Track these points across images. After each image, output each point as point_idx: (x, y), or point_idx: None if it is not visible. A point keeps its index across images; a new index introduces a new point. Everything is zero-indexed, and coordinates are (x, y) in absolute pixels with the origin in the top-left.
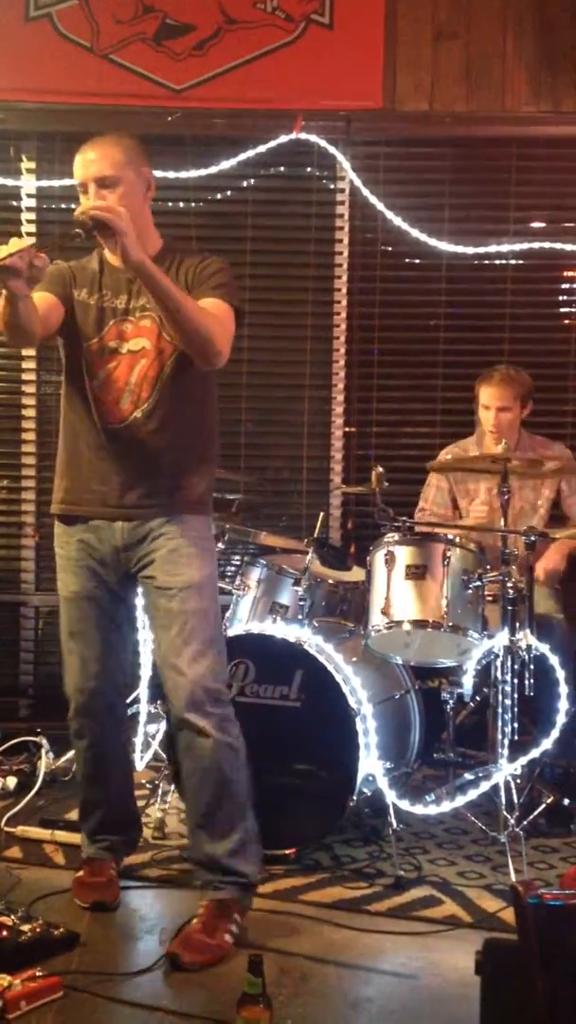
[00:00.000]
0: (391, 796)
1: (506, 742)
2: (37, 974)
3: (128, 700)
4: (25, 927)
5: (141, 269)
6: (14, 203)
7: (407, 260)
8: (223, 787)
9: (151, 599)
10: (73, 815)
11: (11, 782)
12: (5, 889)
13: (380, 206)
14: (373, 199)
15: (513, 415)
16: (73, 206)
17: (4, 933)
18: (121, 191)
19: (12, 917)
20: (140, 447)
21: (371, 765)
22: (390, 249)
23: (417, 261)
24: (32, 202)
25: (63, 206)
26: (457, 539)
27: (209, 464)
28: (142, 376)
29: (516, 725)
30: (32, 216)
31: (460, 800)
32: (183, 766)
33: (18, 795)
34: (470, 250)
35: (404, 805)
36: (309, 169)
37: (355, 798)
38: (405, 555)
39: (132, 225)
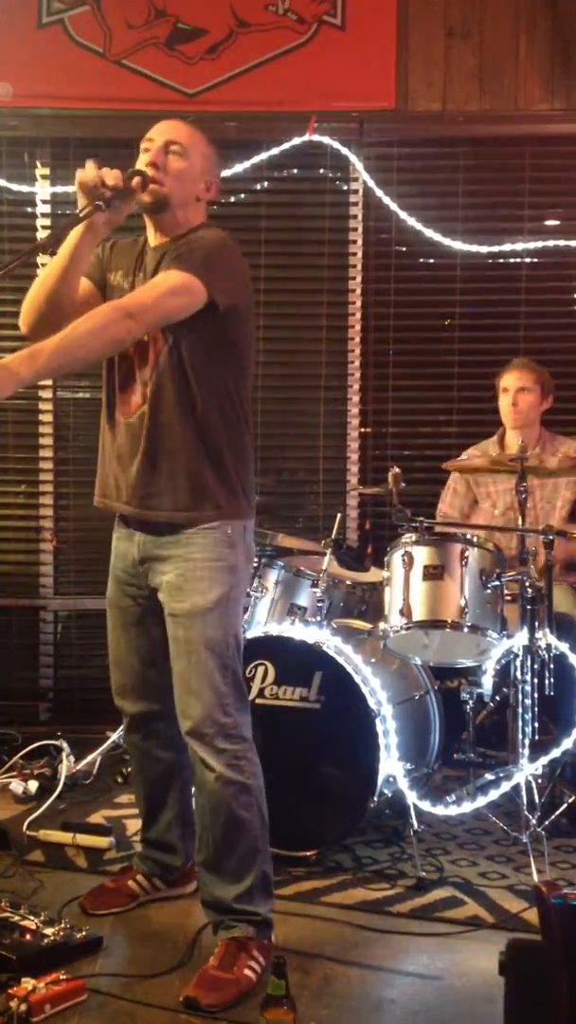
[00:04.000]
0: (412, 797)
1: (526, 742)
2: (61, 977)
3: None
4: (48, 931)
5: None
6: (28, 209)
7: (421, 260)
8: (233, 829)
9: (168, 624)
10: (94, 818)
11: (32, 786)
12: (28, 893)
13: (394, 206)
14: (387, 199)
15: (533, 398)
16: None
17: (28, 937)
18: (185, 166)
19: (35, 920)
20: (150, 443)
21: (391, 766)
22: (404, 249)
23: (431, 261)
24: (47, 208)
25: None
26: (475, 539)
27: (230, 464)
28: (153, 365)
29: (536, 725)
30: (47, 222)
31: (481, 801)
32: (197, 801)
33: (40, 799)
34: (484, 249)
35: (425, 806)
36: (322, 171)
37: (376, 799)
38: (423, 555)
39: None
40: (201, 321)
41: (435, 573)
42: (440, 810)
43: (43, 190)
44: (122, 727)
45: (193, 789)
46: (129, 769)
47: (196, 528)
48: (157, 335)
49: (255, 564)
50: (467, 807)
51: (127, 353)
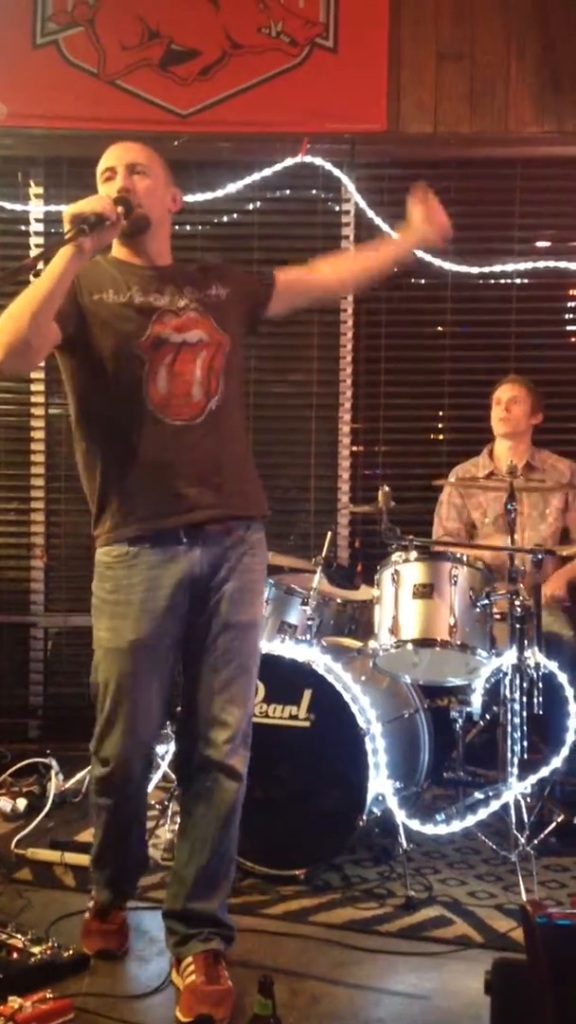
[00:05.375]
0: (401, 816)
1: (516, 761)
2: (48, 996)
3: None
4: (35, 949)
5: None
6: (23, 228)
7: (412, 280)
8: (230, 836)
9: (211, 632)
10: (83, 837)
11: (21, 804)
12: (15, 911)
13: (385, 227)
14: (378, 220)
15: (524, 409)
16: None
17: (15, 955)
18: (150, 183)
19: (23, 939)
20: (217, 442)
21: (380, 785)
22: (396, 270)
23: (423, 281)
24: (40, 227)
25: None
26: (464, 557)
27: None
28: (207, 367)
29: (526, 744)
30: (40, 240)
31: (470, 819)
32: (196, 811)
33: (28, 817)
34: (475, 270)
35: (414, 825)
36: (314, 192)
37: (365, 818)
38: (412, 574)
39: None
40: (247, 325)
41: (425, 591)
42: (429, 829)
43: (37, 209)
44: (108, 790)
45: (192, 804)
46: None
47: (254, 530)
48: (213, 337)
49: None
50: (456, 826)
51: (163, 355)
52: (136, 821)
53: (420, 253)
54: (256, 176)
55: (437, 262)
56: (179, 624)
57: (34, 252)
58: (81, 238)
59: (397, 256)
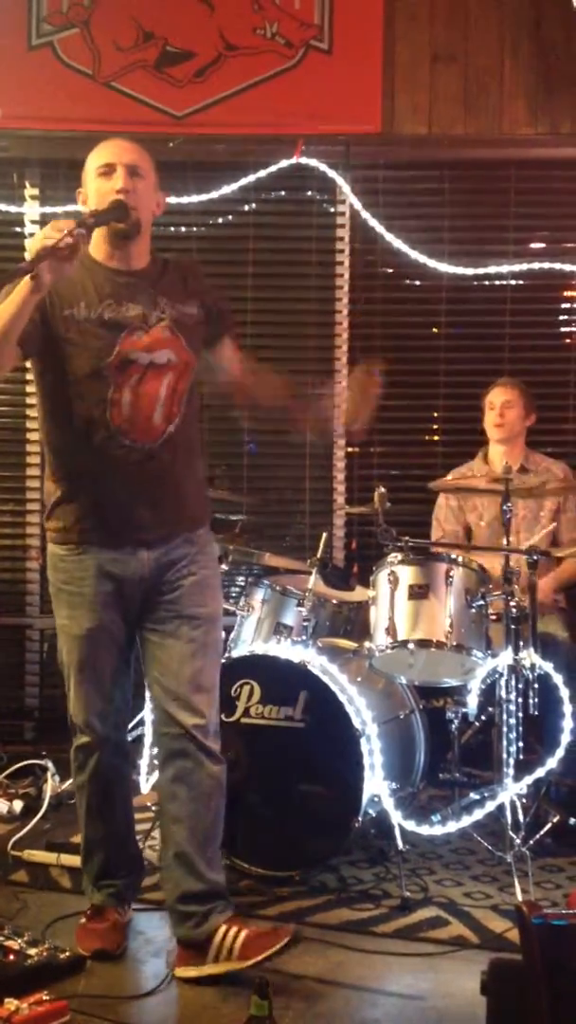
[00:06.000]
0: (397, 817)
1: (511, 761)
2: (44, 998)
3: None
4: (32, 951)
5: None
6: (18, 229)
7: (407, 281)
8: (218, 817)
9: (172, 628)
10: (79, 839)
11: (17, 806)
12: (12, 913)
13: (380, 228)
14: (373, 222)
15: (518, 413)
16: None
17: (11, 957)
18: (147, 187)
19: (19, 941)
20: (173, 466)
21: (376, 786)
22: (390, 271)
23: (418, 283)
24: (36, 228)
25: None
26: (460, 558)
27: (204, 479)
28: (171, 389)
29: (521, 744)
30: None
31: (466, 820)
32: (178, 795)
33: (24, 818)
34: (470, 271)
35: (410, 826)
36: (309, 193)
37: (360, 819)
38: (408, 575)
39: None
40: (204, 346)
41: (420, 592)
42: (425, 830)
43: (32, 210)
44: (85, 758)
45: (172, 787)
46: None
47: (206, 536)
48: (181, 358)
49: (241, 583)
50: (452, 827)
51: (128, 375)
52: (117, 805)
53: (415, 254)
54: (251, 178)
55: (432, 263)
56: (133, 612)
57: (28, 254)
58: (40, 273)
59: (305, 417)
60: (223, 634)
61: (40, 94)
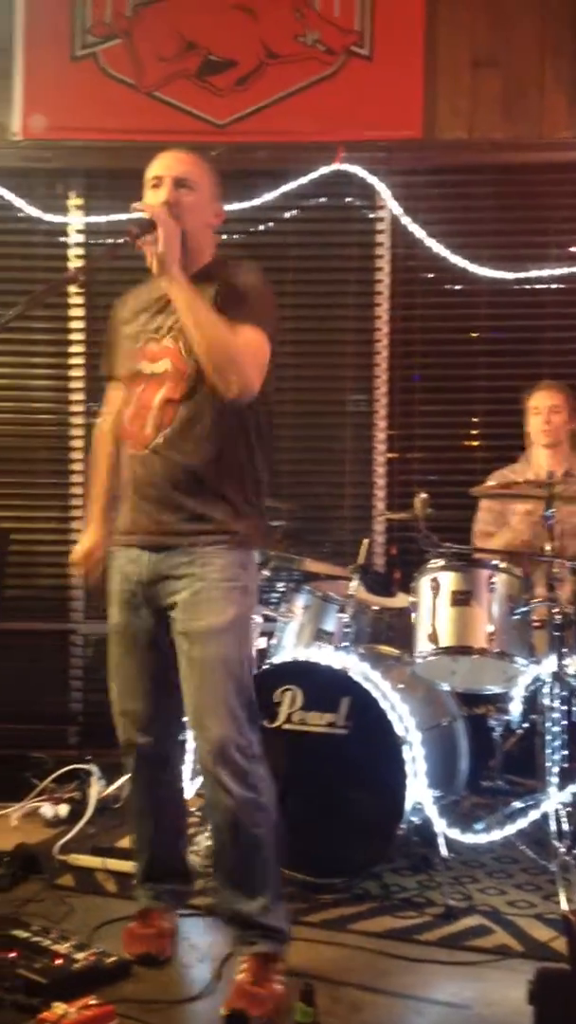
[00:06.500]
0: (440, 824)
1: (555, 769)
2: (91, 1002)
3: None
4: (79, 955)
5: (172, 277)
6: (62, 239)
7: (447, 286)
8: (250, 847)
9: (177, 644)
10: (124, 843)
11: (63, 810)
12: (59, 917)
13: (420, 233)
14: (413, 227)
15: (563, 418)
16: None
17: (59, 961)
18: (196, 199)
19: (66, 945)
20: (163, 474)
21: (419, 793)
22: (431, 276)
23: (458, 287)
24: (80, 238)
25: (110, 241)
26: (502, 565)
27: (247, 496)
28: (165, 399)
29: (565, 752)
30: (80, 252)
31: (509, 829)
32: (211, 821)
33: (70, 823)
34: (511, 275)
35: (453, 834)
36: (350, 199)
37: (404, 826)
38: (450, 581)
39: (177, 234)
40: None
41: (462, 599)
42: (468, 838)
43: (76, 220)
44: (124, 759)
45: (205, 809)
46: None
47: (207, 543)
48: (177, 367)
49: (282, 589)
50: (496, 835)
51: (136, 385)
52: (158, 809)
53: (455, 258)
54: (292, 184)
55: (472, 268)
56: (150, 619)
57: (73, 263)
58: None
59: None
60: (237, 647)
61: (84, 104)
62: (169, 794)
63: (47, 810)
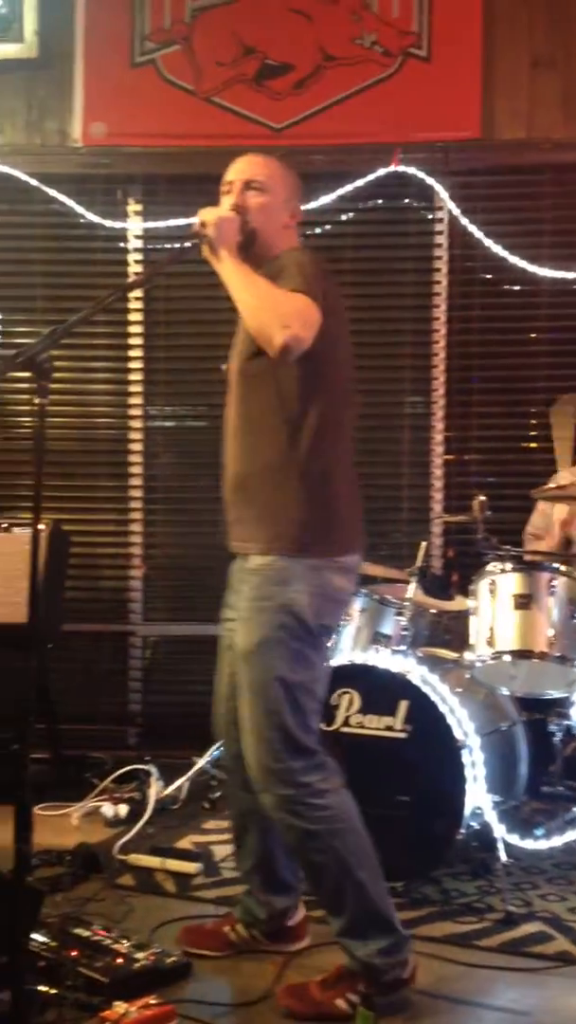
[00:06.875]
0: (500, 830)
1: None
2: (151, 1002)
3: None
4: (139, 955)
5: (220, 258)
6: (121, 245)
7: (506, 287)
8: (311, 871)
9: None
10: (183, 844)
11: (122, 810)
12: (119, 916)
13: (479, 234)
14: (472, 228)
15: None
16: (178, 245)
17: (119, 960)
18: (266, 200)
19: (126, 944)
20: (230, 472)
21: (479, 798)
22: (489, 277)
23: (516, 288)
24: (139, 243)
25: (168, 246)
26: (563, 568)
27: (295, 499)
28: (235, 393)
29: None
30: (139, 257)
31: (570, 835)
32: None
33: (129, 823)
34: (570, 275)
35: (513, 839)
36: (407, 200)
37: (463, 831)
38: (510, 584)
39: (232, 223)
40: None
41: (523, 602)
42: (528, 843)
43: (135, 226)
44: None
45: None
46: (217, 795)
47: (256, 558)
48: (242, 354)
49: None
50: (556, 841)
51: (226, 383)
52: (243, 835)
53: (514, 259)
54: (349, 187)
55: (531, 268)
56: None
57: (132, 268)
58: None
59: None
60: (268, 669)
61: (143, 111)
62: (242, 808)
63: (107, 810)
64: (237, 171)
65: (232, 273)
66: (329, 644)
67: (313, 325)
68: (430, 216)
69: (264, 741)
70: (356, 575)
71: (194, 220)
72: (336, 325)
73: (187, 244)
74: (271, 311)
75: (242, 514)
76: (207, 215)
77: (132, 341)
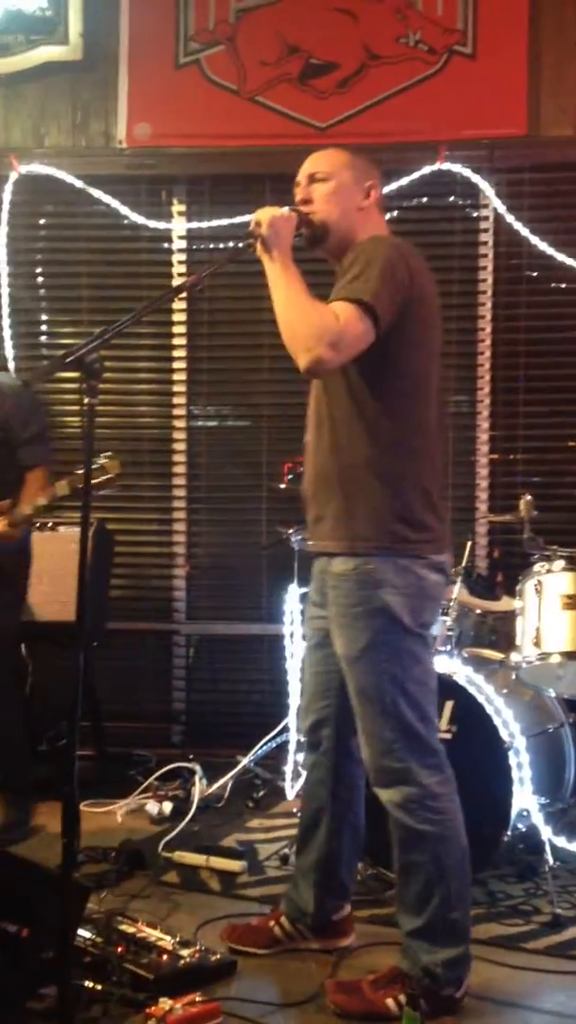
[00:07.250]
0: (546, 832)
1: None
2: (197, 999)
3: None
4: (184, 952)
5: (271, 258)
6: (166, 245)
7: (553, 284)
8: (406, 868)
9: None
10: (227, 842)
11: (167, 808)
12: (164, 913)
13: (525, 231)
14: (518, 225)
15: None
16: (222, 246)
17: (165, 957)
18: (331, 187)
19: (172, 941)
20: (311, 468)
21: (525, 800)
22: (535, 274)
23: (563, 286)
24: (183, 244)
25: (211, 246)
26: None
27: (385, 492)
28: (317, 388)
29: None
30: (183, 257)
31: None
32: None
33: (173, 820)
34: None
35: (560, 841)
36: (452, 198)
37: (509, 833)
38: (557, 584)
39: (287, 223)
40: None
41: (570, 603)
42: (575, 846)
43: (179, 226)
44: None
45: None
46: (261, 794)
47: (340, 561)
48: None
49: None
50: None
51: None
52: (311, 831)
53: (561, 256)
54: (394, 185)
55: None
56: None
57: (177, 269)
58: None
59: None
60: (377, 672)
61: (187, 111)
62: (315, 806)
63: (152, 807)
64: (303, 170)
65: (278, 277)
66: (434, 637)
67: (350, 342)
68: (475, 214)
69: (384, 743)
70: (447, 573)
71: (245, 219)
72: (424, 313)
73: (241, 244)
74: (300, 329)
75: (323, 512)
76: (263, 214)
77: (176, 341)
